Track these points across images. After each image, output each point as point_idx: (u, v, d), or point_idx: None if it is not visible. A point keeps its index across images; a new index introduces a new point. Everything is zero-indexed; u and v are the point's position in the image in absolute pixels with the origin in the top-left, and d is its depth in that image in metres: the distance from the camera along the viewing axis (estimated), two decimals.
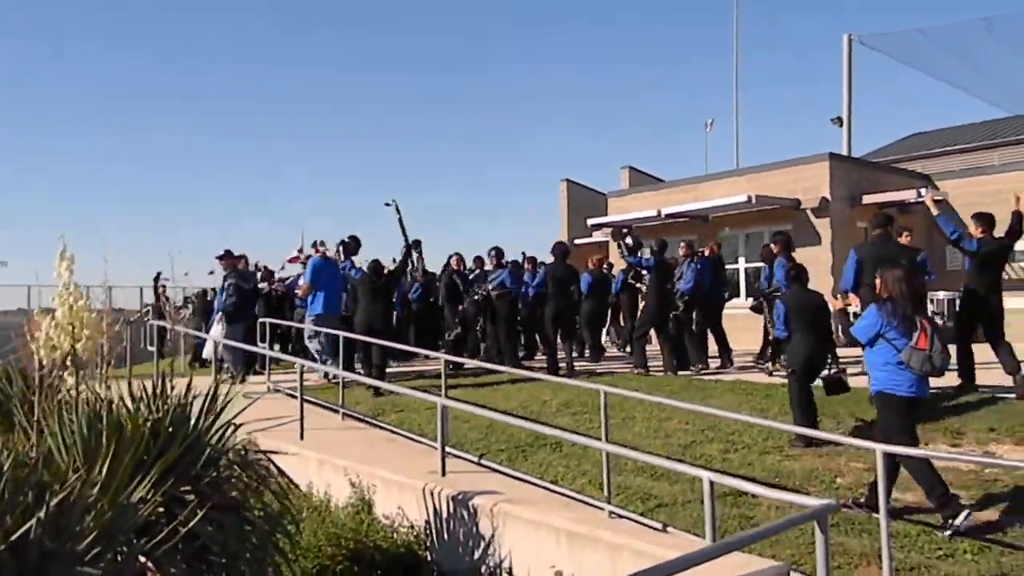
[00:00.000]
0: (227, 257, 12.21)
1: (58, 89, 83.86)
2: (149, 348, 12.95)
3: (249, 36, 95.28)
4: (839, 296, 8.90)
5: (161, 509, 3.80)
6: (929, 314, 5.59)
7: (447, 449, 7.55)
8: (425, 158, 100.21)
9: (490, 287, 12.89)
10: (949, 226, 8.91)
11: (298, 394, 7.65)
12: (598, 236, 21.59)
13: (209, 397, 4.30)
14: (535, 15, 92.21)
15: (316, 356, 11.29)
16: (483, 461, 7.27)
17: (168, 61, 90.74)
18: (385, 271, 11.68)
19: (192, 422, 4.22)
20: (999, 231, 8.71)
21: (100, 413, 3.97)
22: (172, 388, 4.31)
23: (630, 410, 8.43)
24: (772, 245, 10.86)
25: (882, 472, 4.38)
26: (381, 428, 8.82)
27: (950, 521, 5.03)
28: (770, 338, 11.03)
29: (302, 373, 7.41)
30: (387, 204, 12.18)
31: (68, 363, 4.08)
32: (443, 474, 5.71)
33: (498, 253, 13.58)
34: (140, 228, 72.50)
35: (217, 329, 11.81)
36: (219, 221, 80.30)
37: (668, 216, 17.35)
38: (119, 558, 3.31)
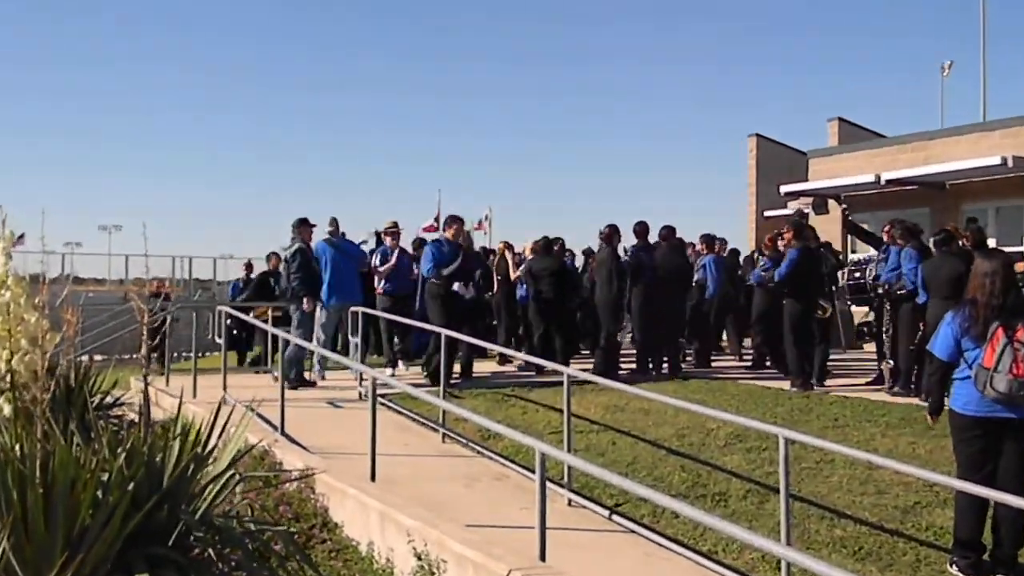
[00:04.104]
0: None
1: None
2: (217, 339, 11.24)
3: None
4: None
5: None
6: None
7: (570, 495, 5.93)
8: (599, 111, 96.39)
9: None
10: None
11: (379, 409, 5.95)
12: (794, 207, 17.92)
13: (194, 436, 3.13)
14: None
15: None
16: (615, 517, 5.67)
17: None
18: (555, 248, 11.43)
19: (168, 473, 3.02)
20: None
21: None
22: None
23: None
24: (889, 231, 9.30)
25: None
26: (491, 458, 6.97)
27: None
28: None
29: (375, 385, 5.67)
30: None
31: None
32: (542, 557, 4.15)
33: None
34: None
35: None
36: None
37: (890, 183, 14.27)
38: None
